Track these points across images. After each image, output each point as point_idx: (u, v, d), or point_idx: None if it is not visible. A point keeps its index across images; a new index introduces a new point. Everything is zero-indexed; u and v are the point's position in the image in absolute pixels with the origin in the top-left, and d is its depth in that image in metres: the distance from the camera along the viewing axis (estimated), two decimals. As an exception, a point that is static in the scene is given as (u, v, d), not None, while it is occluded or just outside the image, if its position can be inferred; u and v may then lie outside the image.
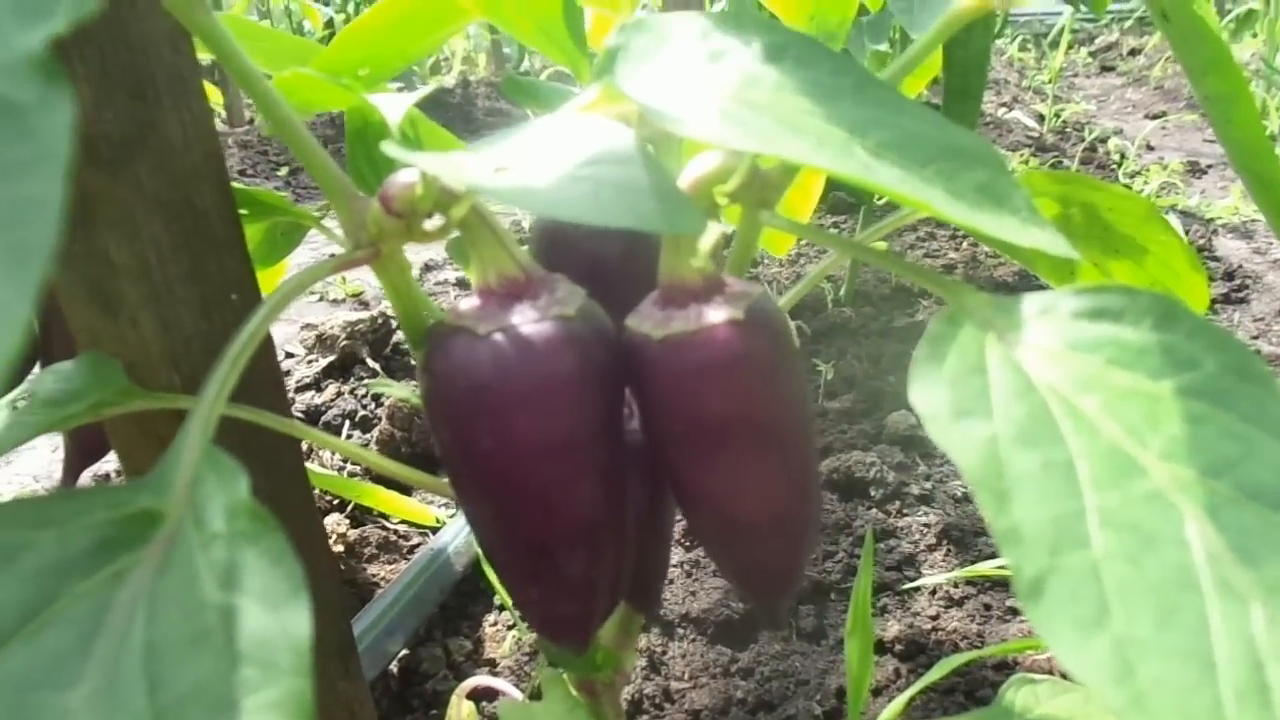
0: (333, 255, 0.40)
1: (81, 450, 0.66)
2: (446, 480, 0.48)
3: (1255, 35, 3.67)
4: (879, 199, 1.85)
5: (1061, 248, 0.33)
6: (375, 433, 1.22)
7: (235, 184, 0.52)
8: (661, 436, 0.42)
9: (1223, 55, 0.43)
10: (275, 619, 0.24)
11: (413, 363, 1.44)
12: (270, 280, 0.74)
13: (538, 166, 0.31)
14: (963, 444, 0.26)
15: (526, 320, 0.38)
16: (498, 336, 0.38)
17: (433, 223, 0.39)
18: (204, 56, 0.50)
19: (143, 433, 0.50)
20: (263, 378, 0.51)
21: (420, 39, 0.54)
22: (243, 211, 0.53)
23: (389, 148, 0.33)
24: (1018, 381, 0.28)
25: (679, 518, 0.56)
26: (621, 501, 0.42)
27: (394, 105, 0.43)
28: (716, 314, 0.39)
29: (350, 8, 5.14)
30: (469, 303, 0.40)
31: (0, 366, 0.17)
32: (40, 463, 1.41)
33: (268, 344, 0.52)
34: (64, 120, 0.18)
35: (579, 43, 0.47)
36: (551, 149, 0.32)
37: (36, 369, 0.62)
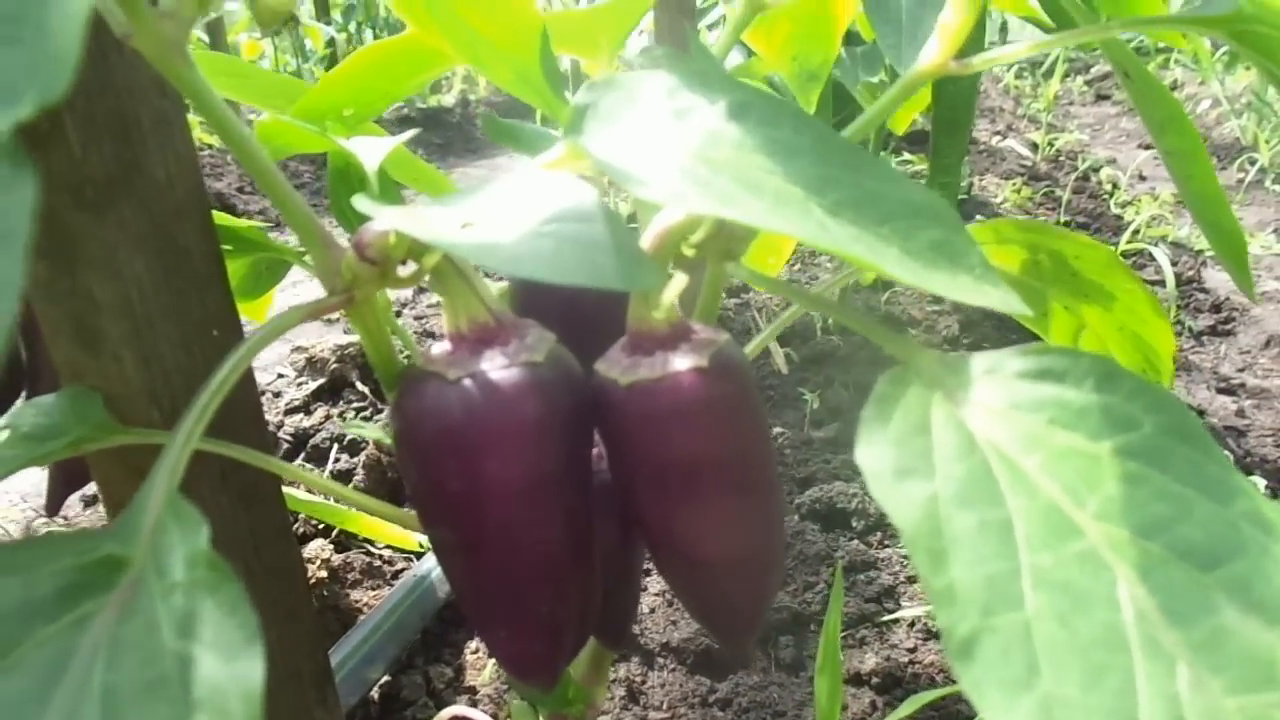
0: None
1: (66, 477, 0.67)
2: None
3: (1248, 68, 3.72)
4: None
5: (1014, 305, 0.34)
6: (362, 457, 1.23)
7: (220, 218, 0.53)
8: (628, 478, 0.42)
9: (1178, 114, 0.44)
10: (229, 668, 0.25)
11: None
12: (257, 311, 0.75)
13: (502, 223, 0.32)
14: (903, 504, 0.27)
15: (495, 366, 0.39)
16: (467, 382, 0.39)
17: (406, 269, 0.40)
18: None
19: (122, 466, 0.50)
20: (242, 412, 0.51)
21: (402, 82, 0.55)
22: (226, 247, 0.54)
23: (360, 202, 0.34)
24: (961, 440, 0.29)
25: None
26: (587, 542, 0.43)
27: (371, 151, 0.44)
28: (681, 361, 0.40)
29: (351, 27, 5.18)
30: (440, 347, 0.41)
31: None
32: (30, 482, 1.41)
33: (247, 378, 0.52)
34: (25, 200, 0.19)
35: (555, 89, 0.48)
36: (517, 206, 0.33)
37: (19, 401, 0.63)
